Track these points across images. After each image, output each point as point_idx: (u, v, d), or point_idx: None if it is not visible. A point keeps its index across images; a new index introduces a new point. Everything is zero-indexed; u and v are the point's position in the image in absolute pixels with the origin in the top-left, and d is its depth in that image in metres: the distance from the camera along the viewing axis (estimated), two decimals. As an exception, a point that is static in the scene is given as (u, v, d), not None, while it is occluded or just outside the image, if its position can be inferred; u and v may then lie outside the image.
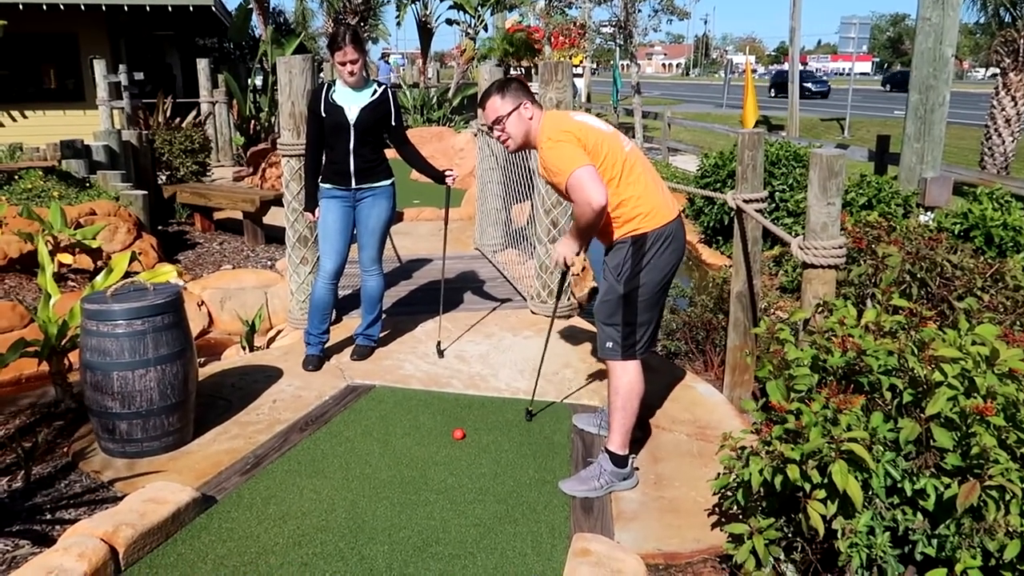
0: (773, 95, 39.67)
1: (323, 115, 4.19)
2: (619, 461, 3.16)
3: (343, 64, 4.11)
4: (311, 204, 4.39)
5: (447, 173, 4.52)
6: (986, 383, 2.10)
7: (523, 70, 22.34)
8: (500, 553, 2.71)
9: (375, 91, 4.29)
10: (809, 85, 38.15)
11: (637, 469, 3.29)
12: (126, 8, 12.69)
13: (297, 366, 4.42)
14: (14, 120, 13.60)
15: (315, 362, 4.40)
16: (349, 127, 4.20)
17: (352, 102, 4.22)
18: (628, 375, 3.14)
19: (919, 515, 2.11)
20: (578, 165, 2.86)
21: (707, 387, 4.24)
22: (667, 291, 3.25)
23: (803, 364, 2.47)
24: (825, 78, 46.59)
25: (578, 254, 3.18)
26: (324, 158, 4.31)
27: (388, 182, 4.43)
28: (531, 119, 3.08)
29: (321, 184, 4.36)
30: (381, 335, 4.76)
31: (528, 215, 6.19)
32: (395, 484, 3.17)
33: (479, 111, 6.96)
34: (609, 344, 3.13)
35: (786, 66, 40.72)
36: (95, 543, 2.51)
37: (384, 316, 4.90)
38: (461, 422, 3.73)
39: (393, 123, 4.38)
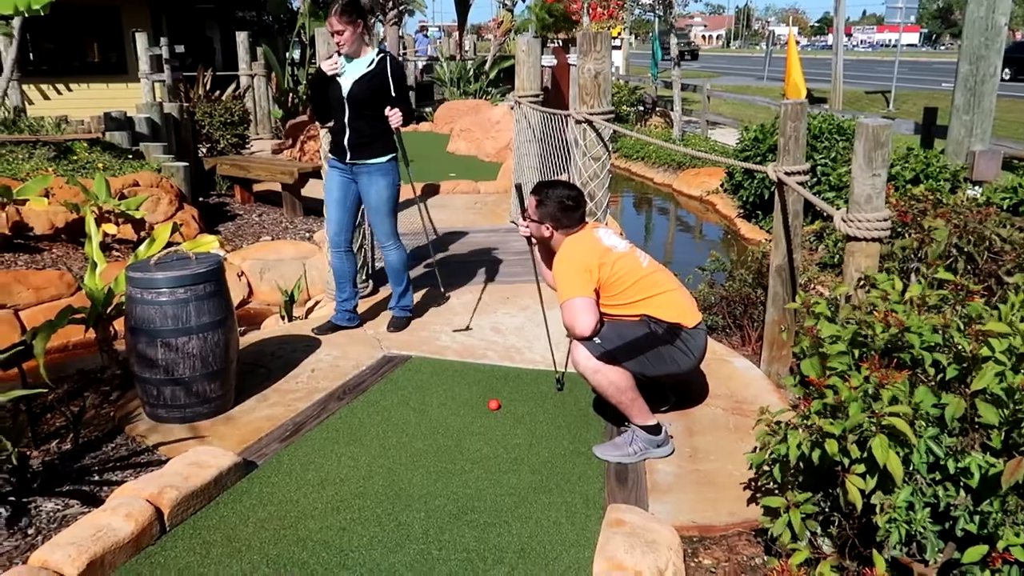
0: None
1: (327, 85, 4.21)
2: (650, 429, 3.18)
3: (331, 33, 4.09)
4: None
5: (389, 115, 4.24)
6: (1035, 359, 2.05)
7: (560, 42, 22.10)
8: (535, 522, 2.74)
9: (372, 61, 4.17)
10: None
11: (672, 438, 3.28)
12: (167, -19, 12.79)
13: (335, 336, 4.47)
14: (59, 93, 13.86)
15: (328, 329, 4.49)
16: (343, 100, 4.17)
17: (348, 74, 4.16)
18: (604, 374, 3.12)
19: (961, 491, 2.08)
20: (576, 294, 3.12)
21: (744, 362, 4.21)
22: (660, 377, 3.31)
23: (838, 341, 2.43)
24: None
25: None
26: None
27: (385, 159, 4.30)
28: (548, 236, 3.36)
29: (328, 154, 4.43)
30: (416, 304, 4.78)
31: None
32: (431, 453, 3.21)
33: (516, 82, 6.91)
34: (598, 340, 3.13)
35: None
36: (141, 504, 2.59)
37: (417, 287, 4.92)
38: (496, 393, 3.75)
39: (393, 94, 4.22)
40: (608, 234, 3.39)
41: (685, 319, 3.23)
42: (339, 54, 4.14)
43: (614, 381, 3.13)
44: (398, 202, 4.44)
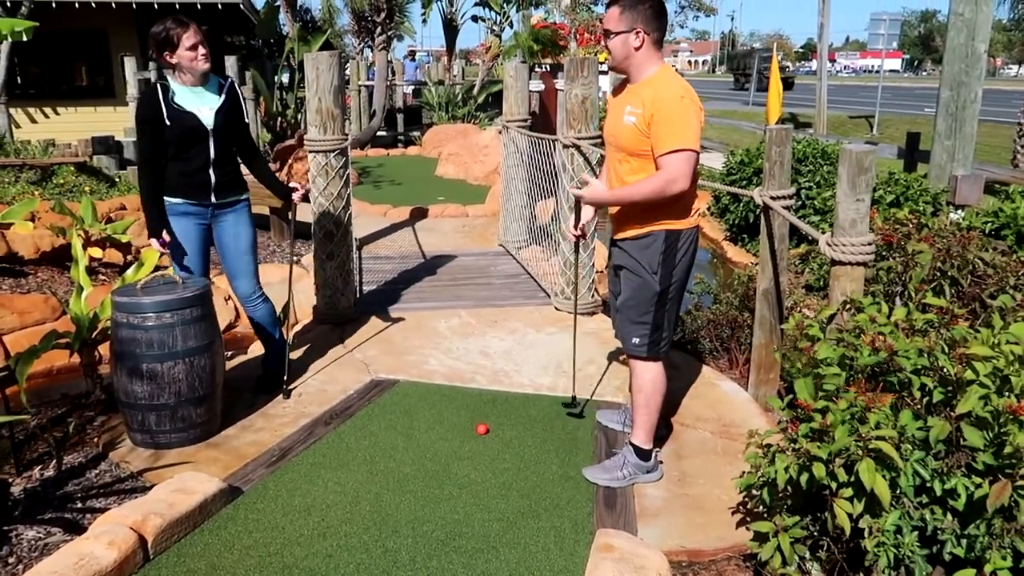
0: None
1: (167, 123, 3.52)
2: (643, 454, 3.17)
3: (194, 48, 3.48)
4: (158, 227, 3.64)
5: (293, 187, 4.02)
6: (1021, 382, 2.07)
7: (548, 67, 22.29)
8: (523, 547, 2.72)
9: (221, 86, 3.69)
10: None
11: (661, 463, 3.28)
12: (156, 6, 12.86)
13: (322, 360, 4.45)
14: (47, 117, 13.85)
15: None
16: (207, 133, 3.60)
17: (202, 104, 3.61)
18: (652, 372, 3.13)
19: (948, 515, 2.08)
20: (692, 144, 2.79)
21: (732, 385, 4.21)
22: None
23: (832, 363, 2.45)
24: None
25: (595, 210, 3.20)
26: (170, 170, 3.64)
27: (247, 194, 3.90)
28: (637, 49, 2.89)
29: (169, 199, 3.67)
30: (404, 328, 4.76)
31: (552, 212, 6.18)
32: (419, 478, 3.19)
33: (504, 107, 6.96)
34: (636, 340, 3.11)
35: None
36: (125, 531, 2.55)
37: (404, 311, 4.86)
38: (485, 417, 3.73)
39: (244, 121, 3.79)
40: None
41: (695, 220, 3.06)
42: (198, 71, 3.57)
43: (656, 379, 3.12)
44: None
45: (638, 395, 3.16)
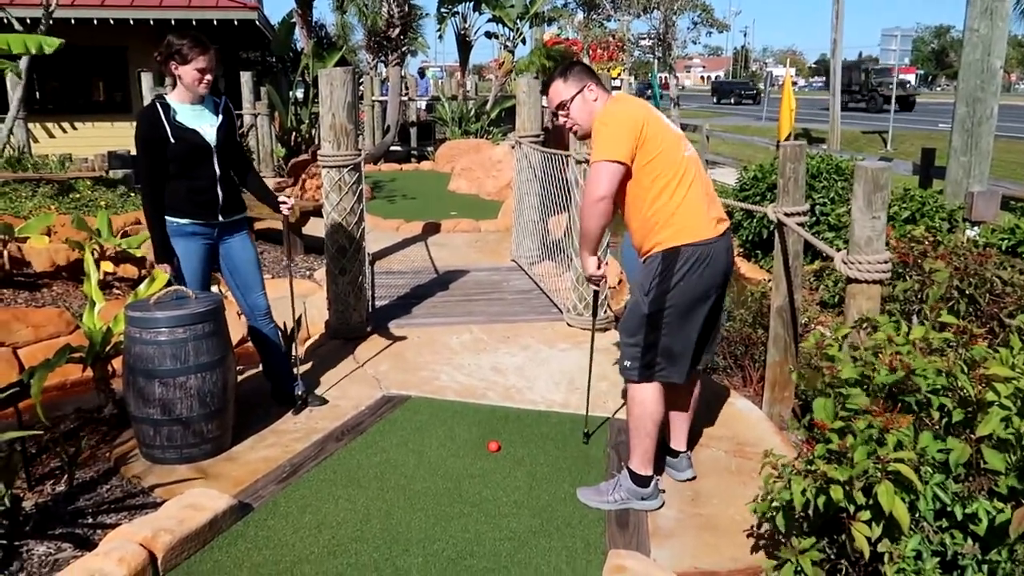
0: None
1: (171, 141, 3.52)
2: (639, 480, 3.08)
3: (203, 71, 3.52)
4: (166, 253, 3.66)
5: (282, 201, 3.92)
6: (1041, 404, 2.03)
7: (561, 83, 22.28)
8: (534, 567, 2.69)
9: (216, 105, 3.72)
10: None
11: (663, 491, 3.18)
12: (173, 23, 12.99)
13: (334, 375, 4.45)
14: (64, 131, 14.00)
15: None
16: (211, 151, 3.62)
17: (203, 121, 3.63)
18: (640, 396, 3.01)
19: (969, 540, 2.04)
20: (611, 156, 2.79)
21: (746, 403, 4.17)
22: (702, 315, 2.98)
23: (854, 384, 2.41)
24: None
25: (598, 267, 3.07)
26: (175, 189, 3.61)
27: (246, 212, 3.92)
28: (595, 101, 2.98)
29: (175, 220, 3.65)
30: (416, 344, 4.75)
31: (565, 227, 6.17)
32: (430, 495, 3.16)
33: (517, 123, 6.97)
34: (627, 363, 3.01)
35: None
36: (135, 548, 2.54)
37: (417, 327, 4.86)
38: (496, 434, 3.71)
39: (238, 138, 3.84)
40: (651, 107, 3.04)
41: (703, 234, 2.88)
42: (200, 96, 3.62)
43: (645, 403, 2.98)
44: None
45: (629, 418, 3.09)
